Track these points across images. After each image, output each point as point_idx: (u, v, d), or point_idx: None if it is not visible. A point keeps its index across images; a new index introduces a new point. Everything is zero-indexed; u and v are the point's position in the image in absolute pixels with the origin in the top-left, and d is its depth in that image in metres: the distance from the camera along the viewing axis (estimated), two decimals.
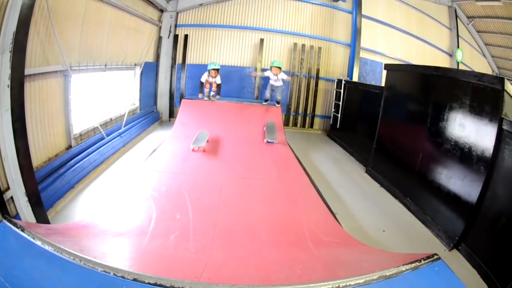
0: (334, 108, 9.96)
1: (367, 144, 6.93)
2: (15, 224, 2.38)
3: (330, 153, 8.22)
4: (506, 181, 3.53)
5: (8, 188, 3.54)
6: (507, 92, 3.65)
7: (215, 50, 10.38)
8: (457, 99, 4.32)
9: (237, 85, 10.08)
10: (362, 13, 10.61)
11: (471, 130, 4.04)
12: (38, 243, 2.16)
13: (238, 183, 4.84)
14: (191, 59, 10.38)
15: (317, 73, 10.69)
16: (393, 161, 5.93)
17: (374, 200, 5.38)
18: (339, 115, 9.48)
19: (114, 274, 1.91)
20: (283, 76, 8.25)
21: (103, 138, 6.04)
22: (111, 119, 6.83)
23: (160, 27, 9.87)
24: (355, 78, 10.40)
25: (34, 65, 4.16)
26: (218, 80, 7.98)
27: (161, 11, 9.77)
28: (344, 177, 6.43)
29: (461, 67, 13.02)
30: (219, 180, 4.83)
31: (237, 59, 10.49)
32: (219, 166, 5.45)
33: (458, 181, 4.17)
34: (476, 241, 3.80)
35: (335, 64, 10.95)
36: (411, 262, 1.99)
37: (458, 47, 12.99)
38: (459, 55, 12.97)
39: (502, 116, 3.60)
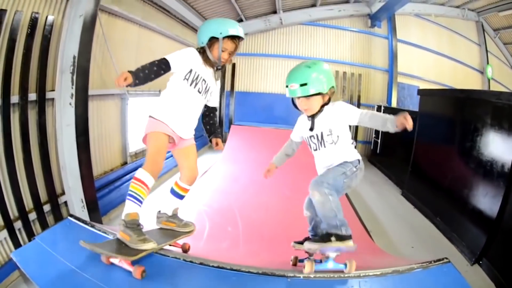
0: (374, 134, 9.87)
1: (404, 167, 6.91)
2: (83, 221, 2.54)
3: (369, 176, 8.08)
4: None
5: (62, 193, 3.86)
6: None
7: (261, 78, 10.89)
8: (479, 118, 4.41)
9: (284, 112, 9.94)
10: (397, 37, 10.79)
11: (492, 147, 4.09)
12: (110, 237, 2.35)
13: (283, 202, 4.98)
14: (239, 86, 10.91)
15: (358, 100, 10.75)
16: (425, 183, 5.94)
17: (406, 220, 5.46)
18: (379, 140, 9.38)
19: (183, 259, 2.17)
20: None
21: None
22: None
23: None
24: (393, 103, 10.39)
25: (93, 87, 4.43)
26: (214, 96, 2.78)
27: None
28: (380, 199, 6.50)
29: (492, 83, 12.93)
30: (266, 199, 5.02)
31: (283, 87, 10.69)
32: (266, 187, 5.55)
33: (481, 198, 4.19)
34: (496, 256, 3.76)
35: (374, 90, 11.01)
36: (423, 262, 2.20)
37: (488, 63, 12.84)
38: (489, 71, 12.80)
39: None
